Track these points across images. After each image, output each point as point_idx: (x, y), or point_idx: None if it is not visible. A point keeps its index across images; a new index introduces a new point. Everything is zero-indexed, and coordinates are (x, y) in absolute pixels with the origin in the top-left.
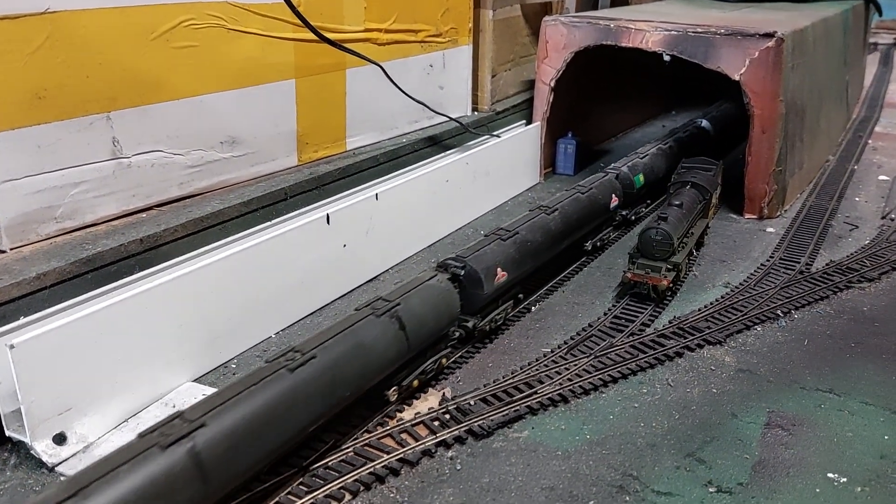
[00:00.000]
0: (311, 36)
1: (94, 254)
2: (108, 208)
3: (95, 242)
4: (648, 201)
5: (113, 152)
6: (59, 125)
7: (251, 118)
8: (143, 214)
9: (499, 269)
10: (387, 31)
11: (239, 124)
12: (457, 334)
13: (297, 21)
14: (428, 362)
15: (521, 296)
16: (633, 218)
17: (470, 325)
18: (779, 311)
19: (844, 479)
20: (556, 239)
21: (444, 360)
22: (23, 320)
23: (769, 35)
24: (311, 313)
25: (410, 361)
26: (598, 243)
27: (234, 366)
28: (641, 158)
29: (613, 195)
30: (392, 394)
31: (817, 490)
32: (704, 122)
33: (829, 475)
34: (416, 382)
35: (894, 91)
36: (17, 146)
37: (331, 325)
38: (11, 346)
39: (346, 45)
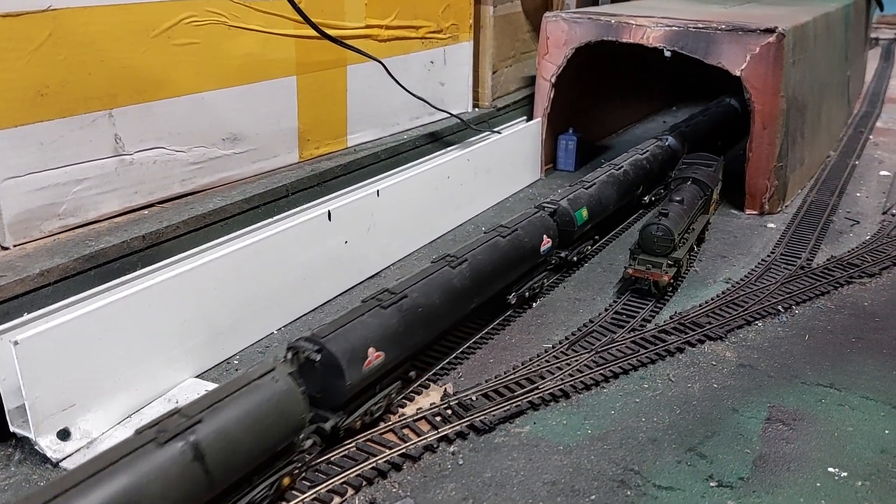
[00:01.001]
0: (313, 32)
1: (96, 250)
2: (111, 205)
3: (98, 239)
4: (596, 237)
5: (115, 149)
6: (62, 122)
7: (252, 115)
8: (146, 211)
9: (371, 350)
10: (388, 28)
11: (240, 121)
12: (308, 443)
13: (298, 17)
14: (258, 490)
15: (412, 374)
16: (574, 259)
17: (328, 425)
18: (780, 307)
19: (845, 474)
20: (461, 298)
21: (285, 480)
22: (26, 317)
23: (770, 31)
24: (313, 309)
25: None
26: (527, 293)
27: (236, 362)
28: (587, 189)
29: (545, 236)
30: None
31: (818, 484)
32: (671, 140)
33: (830, 470)
34: None
35: (895, 86)
36: (20, 143)
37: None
38: (15, 343)
39: (347, 42)
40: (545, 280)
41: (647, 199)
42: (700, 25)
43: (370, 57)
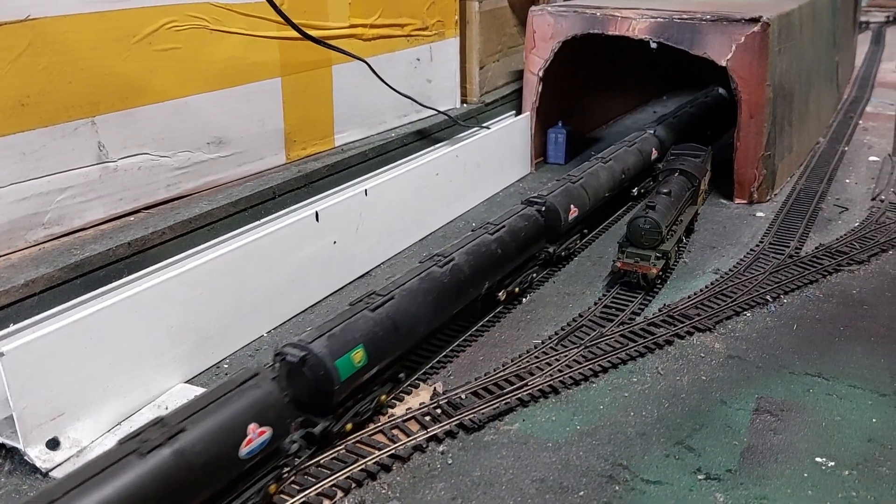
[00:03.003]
0: (296, 34)
1: (82, 259)
2: (96, 213)
3: (83, 247)
4: (585, 231)
5: (98, 157)
6: (44, 132)
7: (237, 118)
8: (131, 218)
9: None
10: (372, 27)
11: (225, 124)
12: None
13: (281, 19)
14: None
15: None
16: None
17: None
18: (768, 297)
19: (832, 463)
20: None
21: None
22: (12, 328)
23: (755, 20)
24: (303, 311)
25: None
26: (517, 289)
27: (226, 366)
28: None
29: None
30: None
31: (805, 475)
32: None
33: (818, 459)
34: None
35: (886, 70)
36: (2, 154)
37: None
38: (1, 354)
39: (332, 42)
40: (534, 275)
41: (635, 191)
42: (685, 16)
43: (354, 56)
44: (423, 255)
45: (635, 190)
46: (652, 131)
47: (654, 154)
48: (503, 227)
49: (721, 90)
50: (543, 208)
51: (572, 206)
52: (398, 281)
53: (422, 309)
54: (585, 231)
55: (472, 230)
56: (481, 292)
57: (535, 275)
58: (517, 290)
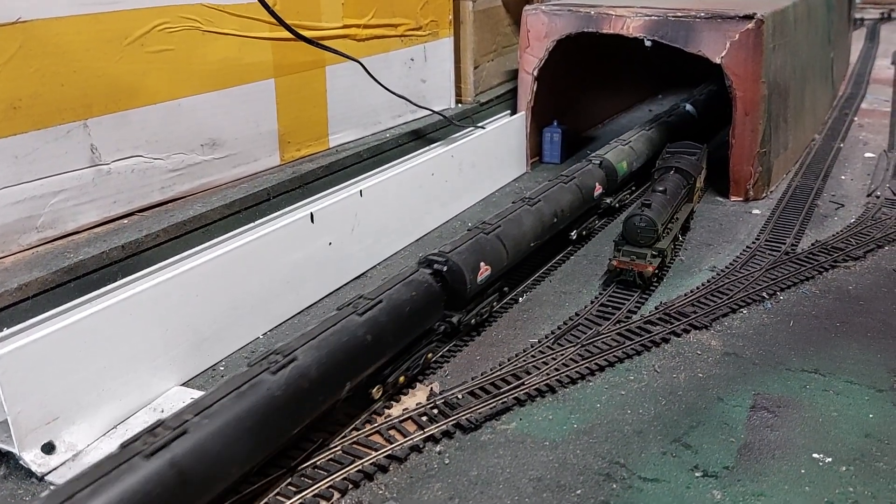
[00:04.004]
0: (289, 34)
1: (76, 262)
2: (89, 216)
3: (77, 251)
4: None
5: (92, 159)
6: (36, 135)
7: (231, 119)
8: (125, 220)
9: (482, 264)
10: (366, 27)
11: (219, 126)
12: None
13: (274, 20)
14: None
15: (506, 288)
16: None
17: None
18: (764, 294)
19: (830, 460)
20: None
21: (429, 355)
22: (6, 332)
23: (749, 17)
24: (299, 313)
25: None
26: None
27: (222, 368)
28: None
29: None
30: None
31: (802, 471)
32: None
33: (815, 456)
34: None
35: (881, 67)
36: None
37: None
38: None
39: (325, 42)
40: (430, 355)
41: (574, 234)
42: (679, 14)
43: (347, 57)
44: (419, 255)
45: (574, 233)
46: (598, 161)
47: (598, 190)
48: (379, 302)
49: (689, 107)
50: (444, 269)
51: (482, 263)
52: (202, 403)
53: (235, 443)
54: (506, 289)
55: (338, 309)
56: (340, 397)
57: (430, 355)
58: (402, 379)
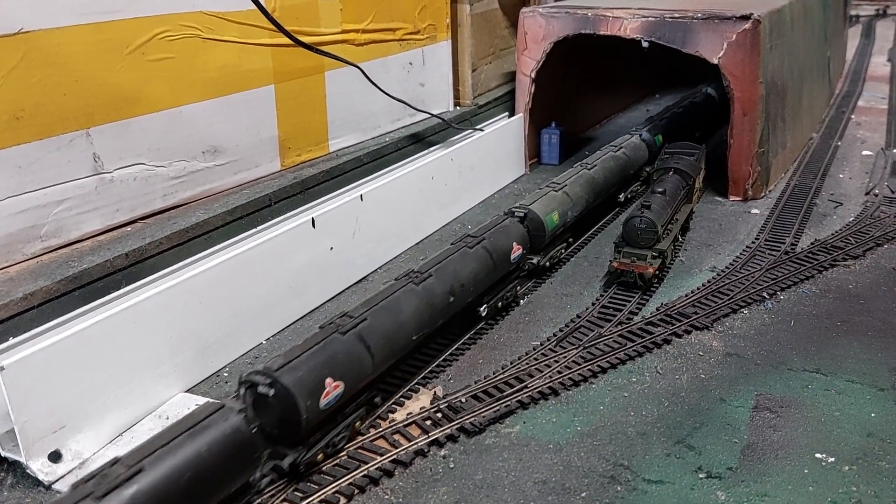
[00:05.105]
0: (289, 41)
1: (80, 271)
2: (93, 224)
3: (81, 259)
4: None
5: (94, 168)
6: (39, 144)
7: (232, 126)
8: (128, 228)
9: (329, 380)
10: (364, 32)
11: (220, 133)
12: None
13: (273, 27)
14: None
15: (377, 399)
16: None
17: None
18: (765, 293)
19: (832, 459)
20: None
21: None
22: (11, 341)
23: (746, 17)
24: (302, 317)
25: None
26: (500, 304)
27: (226, 374)
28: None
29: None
30: None
31: (805, 471)
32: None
33: (818, 455)
34: None
35: (877, 64)
36: None
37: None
38: (1, 368)
39: (324, 48)
40: (518, 288)
41: (483, 309)
42: (676, 15)
43: (346, 62)
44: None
45: (483, 308)
46: (521, 215)
47: (517, 251)
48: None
49: (645, 135)
50: (269, 394)
51: (329, 380)
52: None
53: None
54: (378, 400)
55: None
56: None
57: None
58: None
